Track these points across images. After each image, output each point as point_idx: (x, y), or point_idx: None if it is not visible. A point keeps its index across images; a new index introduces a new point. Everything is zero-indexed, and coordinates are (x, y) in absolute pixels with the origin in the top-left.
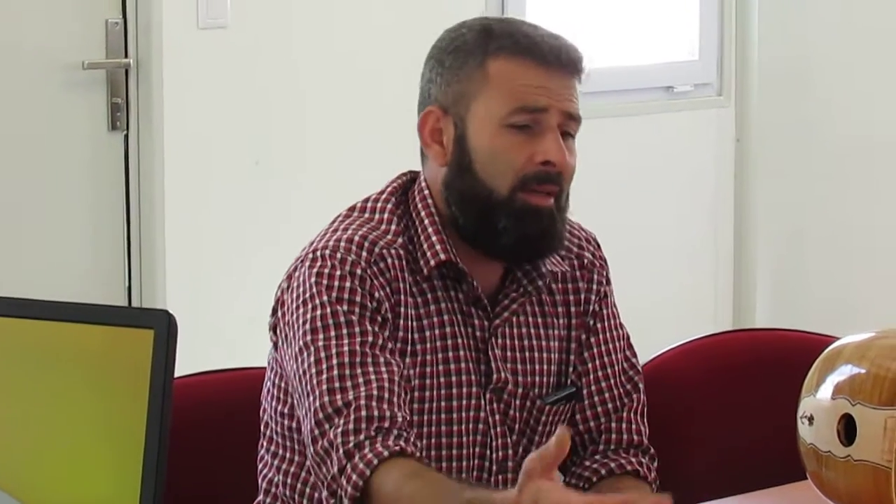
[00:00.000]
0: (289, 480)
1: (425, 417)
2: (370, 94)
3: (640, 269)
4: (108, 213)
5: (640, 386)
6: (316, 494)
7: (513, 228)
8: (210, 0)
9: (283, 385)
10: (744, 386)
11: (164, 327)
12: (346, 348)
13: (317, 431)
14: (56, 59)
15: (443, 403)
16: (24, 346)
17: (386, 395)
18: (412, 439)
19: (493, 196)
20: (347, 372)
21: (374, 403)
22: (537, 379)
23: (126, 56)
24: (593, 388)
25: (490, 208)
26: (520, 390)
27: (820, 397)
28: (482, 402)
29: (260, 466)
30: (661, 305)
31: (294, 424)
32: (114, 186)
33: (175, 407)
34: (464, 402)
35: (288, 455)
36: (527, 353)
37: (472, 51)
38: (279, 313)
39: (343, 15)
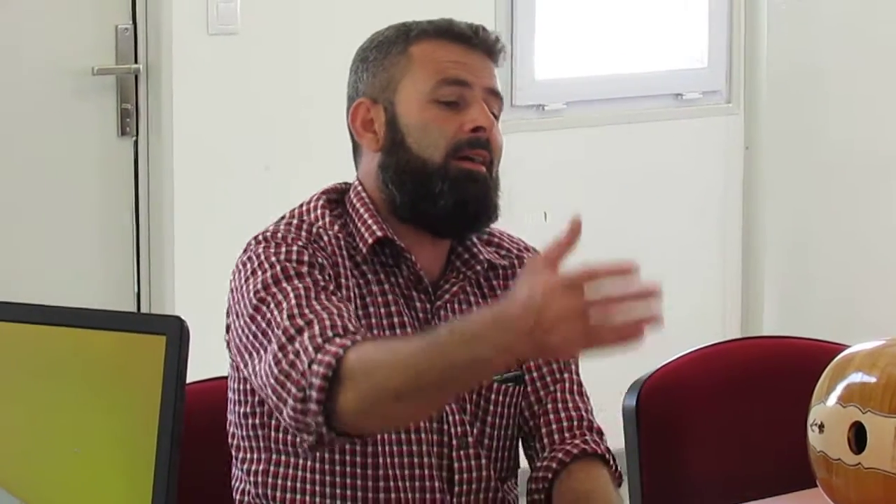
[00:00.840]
0: (259, 479)
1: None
2: None
3: (647, 277)
4: (117, 218)
5: (572, 367)
6: (289, 485)
7: (449, 192)
8: (220, 6)
9: (242, 387)
10: (753, 394)
11: (176, 333)
12: (301, 291)
13: (280, 354)
14: (66, 64)
15: None
16: (37, 353)
17: (346, 316)
18: None
19: (427, 165)
20: (304, 302)
21: (336, 320)
22: None
23: (136, 62)
24: (535, 373)
25: (426, 176)
26: None
27: (830, 405)
28: None
29: (234, 486)
30: (669, 313)
31: (258, 421)
32: (123, 192)
33: (187, 412)
34: None
35: (255, 455)
36: None
37: (394, 41)
38: (230, 311)
39: (352, 21)
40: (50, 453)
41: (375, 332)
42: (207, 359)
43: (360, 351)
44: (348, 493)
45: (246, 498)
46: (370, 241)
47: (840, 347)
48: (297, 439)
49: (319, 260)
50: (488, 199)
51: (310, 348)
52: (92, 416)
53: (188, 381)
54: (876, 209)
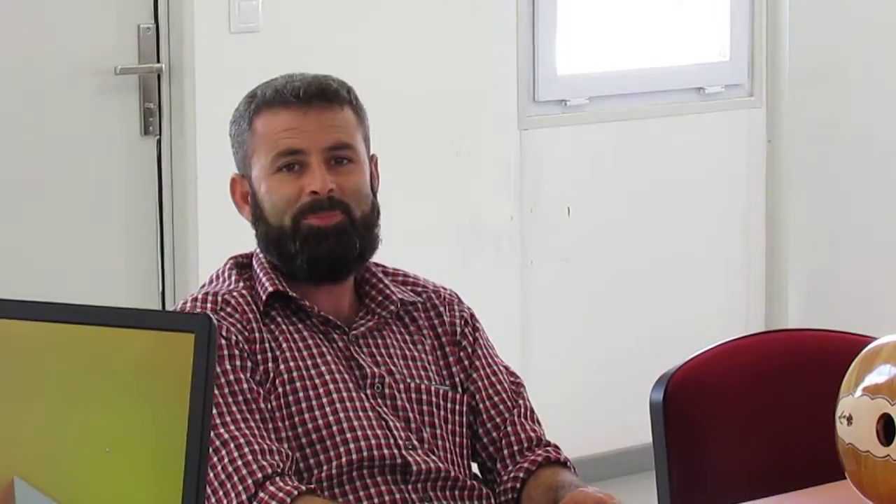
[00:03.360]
0: None
1: (319, 422)
2: (400, 96)
3: (671, 271)
4: (141, 217)
5: (525, 393)
6: None
7: (301, 250)
8: (241, 5)
9: None
10: (779, 387)
11: (204, 331)
12: (215, 391)
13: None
14: (89, 64)
15: (327, 408)
16: (65, 351)
17: (263, 434)
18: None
19: (282, 230)
20: (224, 409)
21: (257, 438)
22: (414, 373)
23: (158, 61)
24: (488, 402)
25: (282, 240)
26: (401, 384)
27: (858, 397)
28: (364, 400)
29: None
30: (693, 307)
31: None
32: (147, 191)
33: None
34: (346, 403)
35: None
36: (398, 360)
37: (242, 115)
38: None
39: (374, 18)
40: (80, 452)
41: (293, 363)
42: None
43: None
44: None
45: None
46: (264, 296)
47: (867, 339)
48: None
49: (224, 331)
50: (345, 247)
51: (248, 479)
52: (121, 415)
53: None
54: None
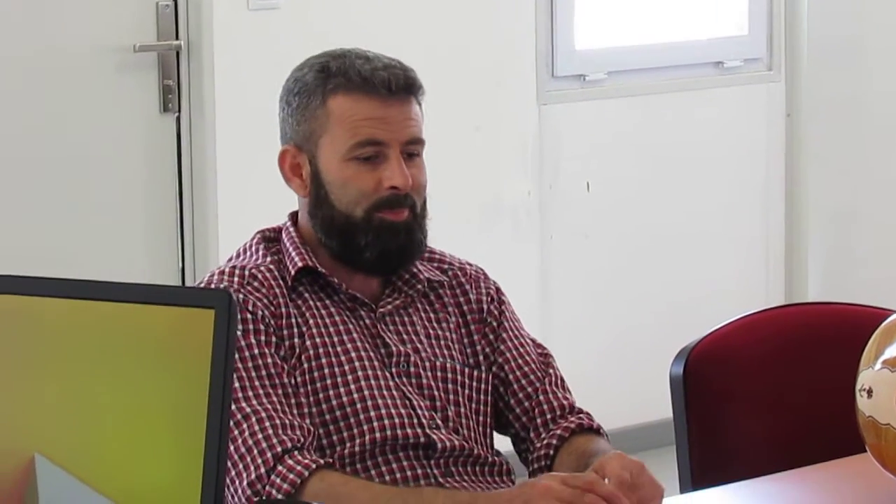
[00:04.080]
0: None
1: (344, 399)
2: (419, 72)
3: (690, 246)
4: (161, 194)
5: (554, 363)
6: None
7: (373, 244)
8: None
9: None
10: (800, 360)
11: (224, 307)
12: (239, 364)
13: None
14: (108, 42)
15: (352, 385)
16: (86, 328)
17: (286, 408)
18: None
19: (351, 220)
20: (247, 383)
21: (279, 412)
22: (439, 352)
23: (177, 38)
24: (518, 373)
25: (351, 231)
26: (426, 363)
27: (879, 370)
28: (389, 378)
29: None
30: (712, 282)
31: None
32: (167, 168)
33: None
34: (371, 381)
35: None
36: (423, 337)
37: (313, 91)
38: None
39: None
40: (101, 429)
41: (319, 340)
42: None
43: (326, 481)
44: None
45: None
46: (293, 271)
47: (887, 312)
48: None
49: (250, 305)
50: (412, 243)
51: (268, 452)
52: (142, 390)
53: None
54: None
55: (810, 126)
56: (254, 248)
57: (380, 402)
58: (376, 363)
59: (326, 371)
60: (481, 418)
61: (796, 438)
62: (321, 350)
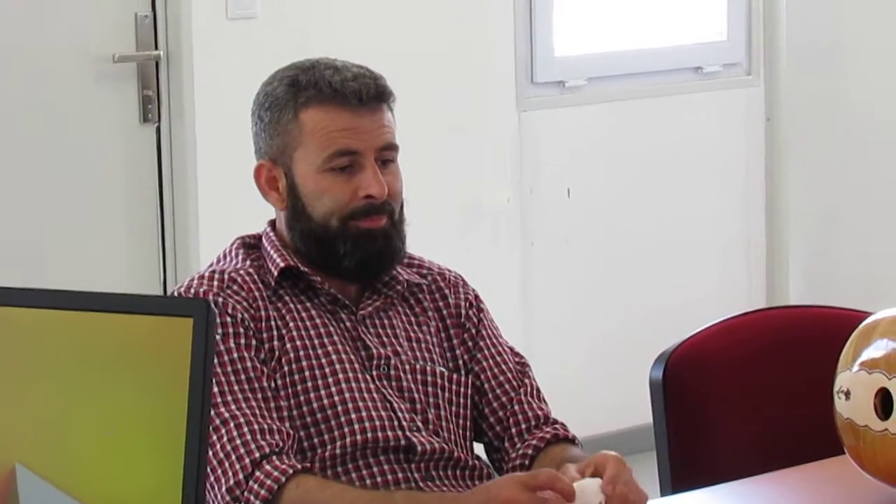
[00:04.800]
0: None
1: (325, 402)
2: (398, 78)
3: (672, 251)
4: (141, 204)
5: (530, 373)
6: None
7: (351, 252)
8: None
9: None
10: (779, 363)
11: (203, 315)
12: (218, 368)
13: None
14: (87, 52)
15: (332, 388)
16: (65, 338)
17: (265, 413)
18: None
19: (328, 230)
20: (226, 388)
21: (258, 417)
22: (419, 355)
23: (156, 48)
24: (493, 382)
25: (329, 240)
26: (407, 365)
27: (856, 372)
28: (370, 381)
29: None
30: (694, 286)
31: None
32: (147, 178)
33: None
34: (352, 383)
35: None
36: (403, 341)
37: (284, 105)
38: None
39: (372, 5)
40: (82, 438)
41: (299, 343)
42: None
43: (303, 486)
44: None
45: None
46: (275, 271)
47: (866, 315)
48: None
49: (230, 309)
50: (391, 249)
51: (246, 458)
52: (121, 399)
53: None
54: None
55: (790, 130)
56: (234, 254)
57: (360, 404)
58: (357, 366)
59: (307, 374)
60: (461, 421)
61: (776, 441)
62: (301, 353)
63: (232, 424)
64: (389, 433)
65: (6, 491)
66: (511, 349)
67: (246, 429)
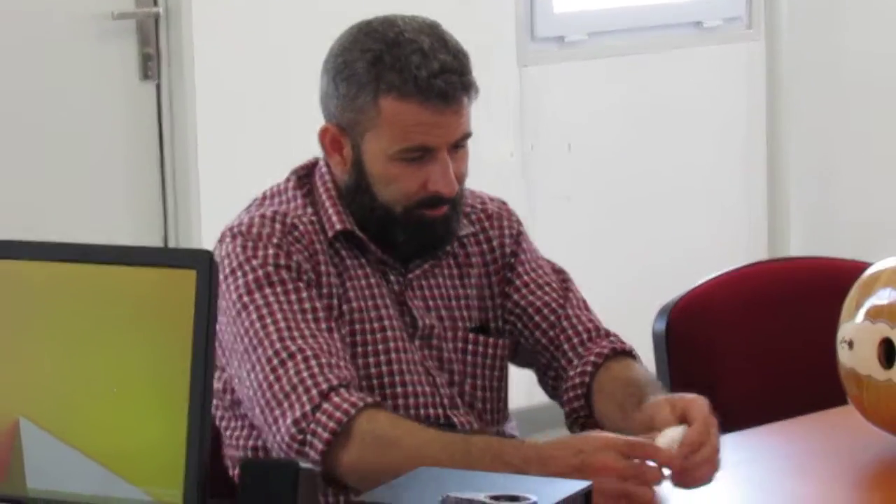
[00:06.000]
0: (241, 443)
1: (372, 370)
2: None
3: (673, 205)
4: (142, 161)
5: (573, 286)
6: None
7: (410, 239)
8: None
9: (219, 363)
10: (781, 314)
11: (206, 267)
12: (284, 306)
13: (272, 377)
14: (86, 9)
15: (381, 357)
16: (69, 291)
17: (333, 352)
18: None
19: (391, 213)
20: (293, 324)
21: (327, 358)
22: (461, 314)
23: (155, 5)
24: (537, 302)
25: (389, 223)
26: (449, 333)
27: (859, 322)
28: (415, 351)
29: (225, 453)
30: (695, 240)
31: (234, 398)
32: (148, 135)
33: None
34: (400, 354)
35: (237, 427)
36: (446, 301)
37: (364, 83)
38: None
39: None
40: (86, 392)
41: (357, 314)
42: None
43: (374, 421)
44: None
45: (234, 464)
46: (331, 234)
47: (866, 265)
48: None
49: (295, 258)
50: (448, 233)
51: (313, 390)
52: (125, 352)
53: None
54: None
55: (791, 84)
56: (291, 194)
57: (406, 377)
58: (404, 334)
59: (359, 338)
60: (496, 384)
61: (779, 391)
62: (356, 315)
63: (299, 357)
64: (431, 411)
65: (10, 444)
66: (552, 266)
67: (314, 362)
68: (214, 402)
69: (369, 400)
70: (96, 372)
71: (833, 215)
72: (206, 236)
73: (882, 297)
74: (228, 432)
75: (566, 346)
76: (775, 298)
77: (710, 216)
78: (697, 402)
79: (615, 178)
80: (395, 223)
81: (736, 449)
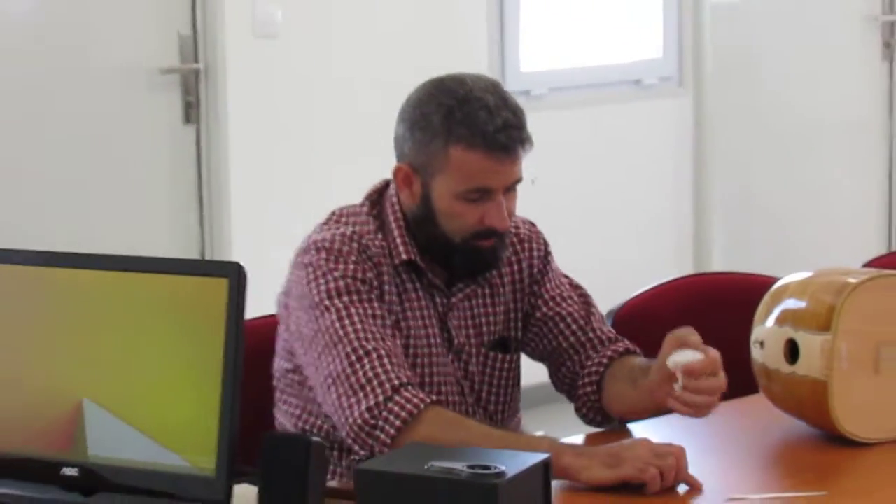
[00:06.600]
0: (296, 423)
1: (416, 377)
2: (392, 89)
3: (618, 227)
4: (184, 192)
5: (591, 300)
6: (324, 427)
7: (464, 265)
8: (263, 14)
9: (288, 347)
10: (705, 317)
11: (236, 276)
12: (360, 311)
13: (349, 369)
14: (139, 65)
15: (426, 369)
16: (125, 294)
17: (399, 354)
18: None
19: (450, 242)
20: (367, 327)
21: (396, 360)
22: (485, 339)
23: (196, 61)
24: (563, 312)
25: (448, 250)
26: (474, 350)
27: (769, 325)
28: (448, 365)
29: (276, 417)
30: (635, 256)
31: (299, 378)
32: (189, 170)
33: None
34: (439, 366)
35: (294, 402)
36: (477, 321)
37: (437, 133)
38: (292, 291)
39: (370, 27)
40: (135, 376)
41: (412, 331)
42: (263, 295)
43: (440, 414)
44: None
45: (286, 422)
46: (397, 261)
47: (775, 279)
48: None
49: (368, 275)
50: (495, 262)
51: (386, 384)
52: (170, 345)
53: (247, 316)
54: (804, 169)
55: (713, 131)
56: (364, 218)
57: (442, 386)
58: (443, 349)
59: (410, 350)
60: (508, 391)
61: None
62: (409, 330)
63: (374, 356)
64: (457, 409)
65: (75, 420)
66: (570, 281)
67: (386, 360)
68: (276, 376)
69: (434, 398)
70: (145, 361)
71: (748, 237)
72: (236, 252)
73: (788, 306)
74: (285, 407)
75: (589, 348)
76: (700, 305)
77: (646, 237)
78: (712, 350)
79: (571, 207)
80: (454, 250)
81: (669, 429)
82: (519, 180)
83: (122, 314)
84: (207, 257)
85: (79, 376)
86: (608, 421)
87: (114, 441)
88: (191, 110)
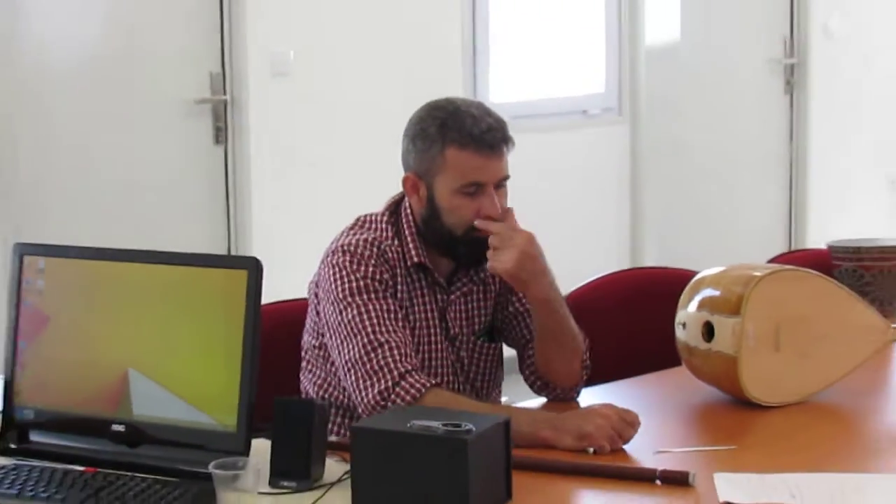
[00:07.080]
0: (317, 390)
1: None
2: (384, 117)
3: (568, 233)
4: (215, 202)
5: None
6: (340, 397)
7: (468, 253)
8: (279, 56)
9: (318, 329)
10: (639, 303)
11: (254, 268)
12: (377, 307)
13: (366, 357)
14: (177, 96)
15: (426, 354)
16: (163, 283)
17: (409, 345)
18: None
19: (453, 234)
20: (383, 321)
21: (406, 350)
22: (475, 329)
23: (224, 94)
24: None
25: (453, 242)
26: (465, 339)
27: (690, 310)
28: (445, 349)
29: (302, 382)
30: (582, 254)
31: (323, 353)
32: (219, 184)
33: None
34: (439, 353)
35: (318, 372)
36: (469, 314)
37: (434, 140)
38: (321, 284)
39: (363, 67)
40: (175, 351)
41: (418, 323)
42: (277, 285)
43: (440, 394)
44: None
45: (309, 387)
46: (409, 263)
47: (694, 273)
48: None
49: (384, 276)
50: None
51: (395, 371)
52: (200, 325)
53: (263, 301)
54: (720, 184)
55: (648, 153)
56: (383, 225)
57: (440, 369)
58: (442, 338)
59: (416, 339)
60: (492, 373)
61: (637, 357)
62: (416, 322)
63: (386, 347)
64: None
65: (122, 387)
66: None
67: (396, 351)
68: (305, 348)
69: (434, 381)
70: (179, 338)
71: (675, 239)
72: (256, 249)
73: (706, 294)
74: (310, 375)
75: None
76: (636, 294)
77: (591, 239)
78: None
79: (529, 214)
80: (457, 241)
81: (606, 395)
82: (507, 177)
83: (160, 299)
84: (233, 253)
85: (125, 350)
86: (548, 388)
87: (154, 403)
88: (220, 134)
